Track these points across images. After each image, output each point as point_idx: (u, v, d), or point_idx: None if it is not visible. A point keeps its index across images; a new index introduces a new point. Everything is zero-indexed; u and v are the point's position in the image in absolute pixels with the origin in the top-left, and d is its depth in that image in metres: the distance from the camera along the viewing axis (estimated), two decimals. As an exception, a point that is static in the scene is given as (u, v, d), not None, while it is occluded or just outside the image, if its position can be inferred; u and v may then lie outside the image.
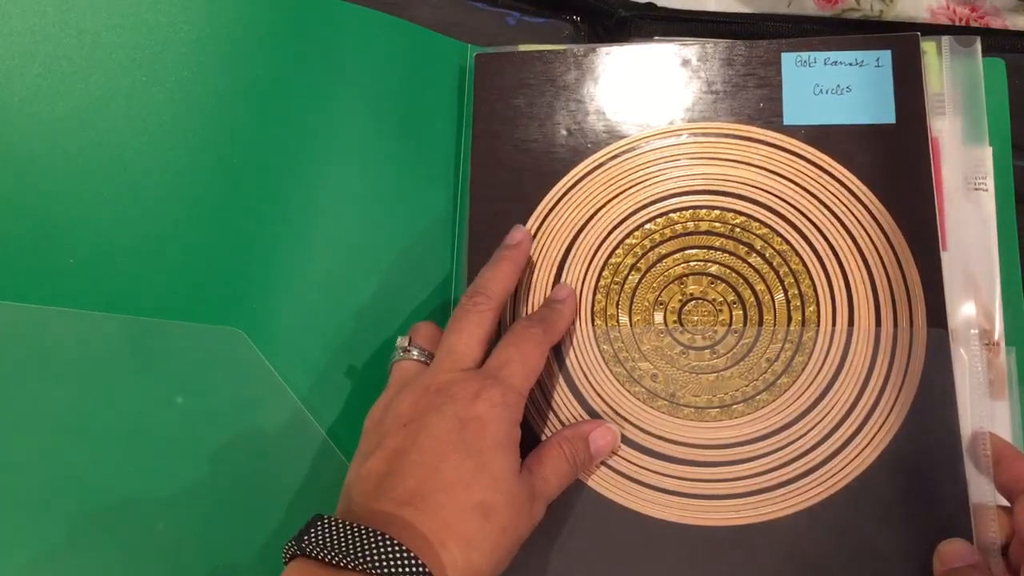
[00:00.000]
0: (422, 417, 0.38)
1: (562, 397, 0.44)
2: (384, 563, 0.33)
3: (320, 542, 0.34)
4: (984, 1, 0.54)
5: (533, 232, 0.47)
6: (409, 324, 0.44)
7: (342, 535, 0.34)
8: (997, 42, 0.51)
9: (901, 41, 0.47)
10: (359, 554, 0.33)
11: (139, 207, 0.44)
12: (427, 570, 0.33)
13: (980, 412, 0.41)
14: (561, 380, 0.44)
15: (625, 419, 0.43)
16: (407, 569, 0.33)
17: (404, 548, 0.33)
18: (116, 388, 0.42)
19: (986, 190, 0.46)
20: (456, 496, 0.36)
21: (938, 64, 0.47)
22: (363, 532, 0.34)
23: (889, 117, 0.46)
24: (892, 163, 0.45)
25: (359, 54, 0.49)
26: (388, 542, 0.33)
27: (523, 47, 0.51)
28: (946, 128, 0.46)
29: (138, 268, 0.44)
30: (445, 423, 0.38)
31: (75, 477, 0.41)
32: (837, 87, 0.47)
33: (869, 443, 0.41)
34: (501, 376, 0.39)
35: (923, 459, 0.41)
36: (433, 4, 0.54)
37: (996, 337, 0.44)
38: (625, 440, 0.43)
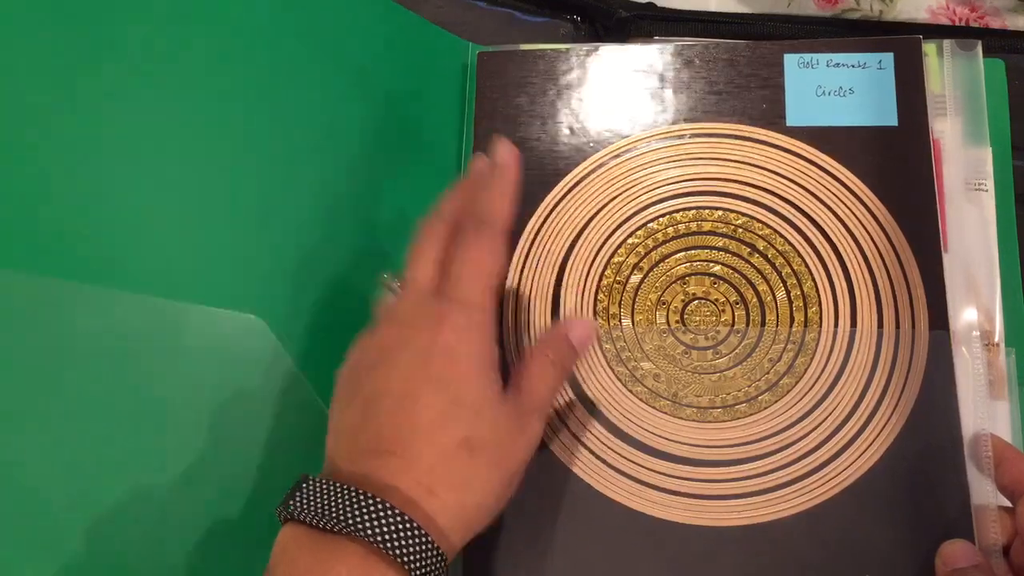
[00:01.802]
0: (389, 357, 0.36)
1: (563, 397, 0.44)
2: (370, 524, 0.31)
3: (305, 507, 0.32)
4: (984, 1, 0.54)
5: (535, 231, 0.47)
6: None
7: (326, 497, 0.33)
8: (997, 42, 0.51)
9: (903, 44, 0.47)
10: (344, 517, 0.32)
11: (141, 203, 0.44)
12: (415, 524, 0.32)
13: (982, 413, 0.42)
14: (563, 380, 0.44)
15: (627, 419, 0.44)
16: (394, 526, 0.32)
17: (388, 505, 0.32)
18: (130, 368, 0.42)
19: (986, 191, 0.46)
20: (436, 438, 0.34)
21: (939, 66, 0.47)
22: (346, 493, 0.32)
23: (891, 119, 0.46)
24: (894, 165, 0.45)
25: (362, 43, 0.48)
26: (371, 501, 0.32)
27: (525, 46, 0.51)
28: (947, 129, 0.47)
29: (147, 260, 0.43)
30: (412, 358, 0.35)
31: (81, 462, 0.41)
32: (839, 89, 0.47)
33: (871, 444, 0.42)
34: (458, 296, 0.37)
35: (925, 460, 0.41)
36: (434, 3, 0.54)
37: (996, 338, 0.44)
38: (627, 439, 0.43)
